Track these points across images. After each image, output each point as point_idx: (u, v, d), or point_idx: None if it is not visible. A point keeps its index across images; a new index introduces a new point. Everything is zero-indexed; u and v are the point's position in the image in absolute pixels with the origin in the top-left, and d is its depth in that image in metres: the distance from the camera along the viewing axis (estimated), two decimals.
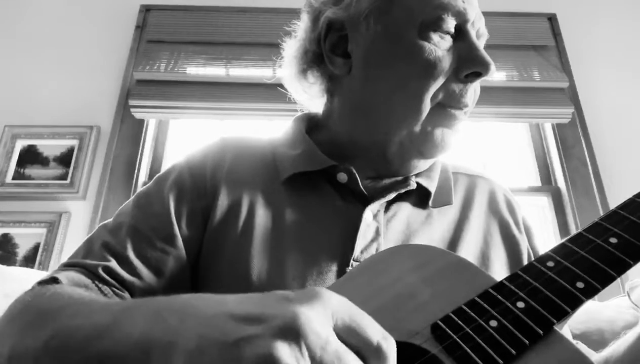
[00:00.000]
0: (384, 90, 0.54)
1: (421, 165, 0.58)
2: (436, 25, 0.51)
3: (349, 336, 0.27)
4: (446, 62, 0.51)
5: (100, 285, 0.47)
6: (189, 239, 0.53)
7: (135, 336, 0.29)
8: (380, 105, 0.55)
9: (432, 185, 0.58)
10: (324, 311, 0.27)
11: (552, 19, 1.89)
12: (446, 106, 0.53)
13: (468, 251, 0.55)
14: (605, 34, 1.88)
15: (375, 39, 0.55)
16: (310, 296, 0.27)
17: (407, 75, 0.52)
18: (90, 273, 0.48)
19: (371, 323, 0.28)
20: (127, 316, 0.32)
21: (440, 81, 0.51)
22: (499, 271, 0.55)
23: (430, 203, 0.57)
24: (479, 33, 0.56)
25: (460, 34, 0.53)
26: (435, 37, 0.52)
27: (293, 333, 0.25)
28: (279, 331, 0.25)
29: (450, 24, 0.52)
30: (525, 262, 0.57)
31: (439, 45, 0.52)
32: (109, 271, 0.48)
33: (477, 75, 0.52)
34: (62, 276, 0.47)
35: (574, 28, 1.88)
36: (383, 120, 0.55)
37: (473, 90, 0.54)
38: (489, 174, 0.68)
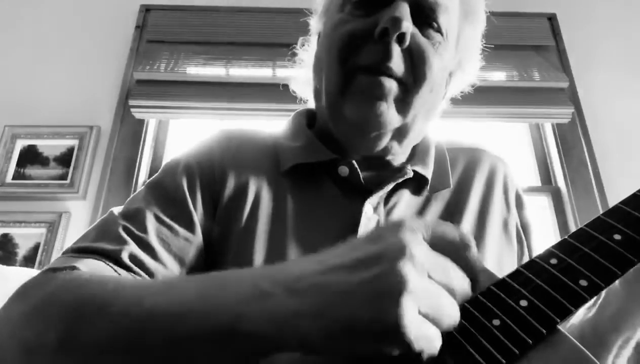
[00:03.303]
0: (319, 71, 0.58)
1: (385, 143, 0.56)
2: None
3: (438, 245, 0.31)
4: (359, 27, 0.52)
5: (122, 274, 0.44)
6: (203, 227, 0.52)
7: (245, 310, 0.28)
8: (320, 87, 0.58)
9: (428, 172, 0.58)
10: (415, 234, 0.30)
11: (552, 19, 1.89)
12: (368, 73, 0.51)
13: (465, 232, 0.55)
14: (605, 34, 1.88)
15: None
16: (395, 226, 0.30)
17: (328, 49, 0.55)
18: (110, 259, 0.45)
19: (444, 227, 0.32)
20: (217, 292, 0.30)
21: (354, 46, 0.52)
22: (493, 250, 0.55)
23: (427, 188, 0.57)
24: (422, 3, 0.53)
25: (386, 3, 0.52)
26: (353, 9, 0.54)
27: (409, 260, 0.28)
28: (399, 262, 0.27)
29: None
30: (515, 241, 0.58)
31: (356, 15, 0.53)
32: (132, 256, 0.46)
33: (385, 32, 0.50)
34: (82, 265, 0.43)
35: (574, 28, 1.88)
36: (325, 100, 0.57)
37: (398, 55, 0.51)
38: (489, 147, 0.66)
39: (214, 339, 0.28)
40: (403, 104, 0.52)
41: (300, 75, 0.67)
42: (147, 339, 0.30)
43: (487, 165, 0.63)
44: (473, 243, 0.33)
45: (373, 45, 0.51)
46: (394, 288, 0.26)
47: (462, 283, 0.31)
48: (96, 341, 0.31)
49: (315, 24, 0.64)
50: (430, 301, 0.28)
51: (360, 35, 0.51)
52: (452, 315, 0.30)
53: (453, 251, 0.32)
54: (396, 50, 0.50)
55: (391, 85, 0.51)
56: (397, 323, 0.25)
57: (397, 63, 0.51)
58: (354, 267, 0.28)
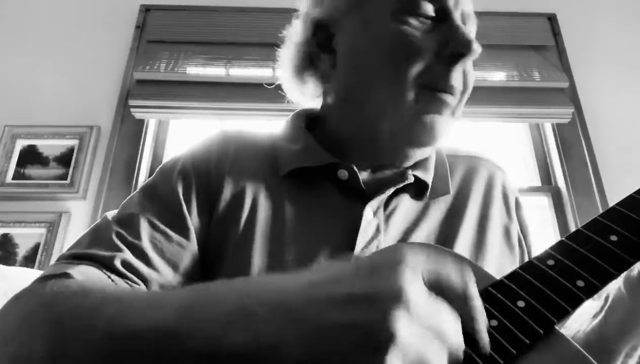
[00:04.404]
0: (368, 79, 0.54)
1: (416, 155, 0.57)
2: (411, 9, 0.52)
3: (438, 289, 0.28)
4: (426, 44, 0.51)
5: (115, 279, 0.44)
6: (199, 232, 0.52)
7: (232, 339, 0.27)
8: (365, 94, 0.55)
9: (428, 177, 0.58)
10: (415, 275, 0.27)
11: (552, 19, 1.90)
12: (434, 90, 0.52)
13: (465, 238, 0.55)
14: (605, 34, 1.88)
15: (355, 31, 0.55)
16: (394, 261, 0.28)
17: (386, 60, 0.52)
18: (104, 266, 0.45)
19: (451, 272, 0.29)
20: (201, 313, 0.29)
21: (420, 63, 0.51)
22: (494, 257, 0.55)
23: (427, 194, 0.57)
24: (465, 16, 0.55)
25: (442, 16, 0.53)
26: (412, 20, 0.52)
27: (404, 307, 0.25)
28: (392, 311, 0.25)
29: (428, 6, 0.52)
30: (517, 248, 0.58)
31: (418, 28, 0.52)
32: (125, 263, 0.46)
33: (460, 56, 0.51)
34: (75, 271, 0.43)
35: (574, 28, 1.88)
36: (370, 109, 0.55)
37: (461, 73, 0.53)
38: (488, 154, 0.67)
39: (195, 361, 0.27)
40: (452, 117, 0.54)
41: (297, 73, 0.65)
42: (129, 360, 0.29)
43: (486, 173, 0.63)
44: (476, 297, 0.30)
45: (440, 65, 0.51)
46: (382, 341, 0.24)
47: (455, 339, 0.28)
48: (81, 358, 0.31)
49: (322, 11, 0.59)
50: (418, 355, 0.25)
51: (428, 54, 0.51)
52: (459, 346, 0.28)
53: (453, 299, 0.29)
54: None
55: (453, 103, 0.53)
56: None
57: (459, 80, 0.53)
58: (343, 304, 0.26)
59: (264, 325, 0.27)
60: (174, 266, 0.49)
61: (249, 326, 0.27)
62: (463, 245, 0.54)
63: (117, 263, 0.45)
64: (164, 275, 0.48)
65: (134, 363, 0.29)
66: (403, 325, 0.25)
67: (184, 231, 0.51)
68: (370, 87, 0.54)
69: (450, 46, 0.51)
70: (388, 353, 0.24)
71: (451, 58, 0.51)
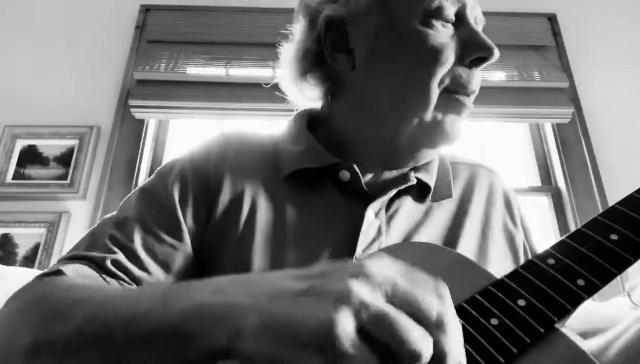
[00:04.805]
0: (392, 81, 0.54)
1: (428, 155, 0.58)
2: (437, 13, 0.52)
3: (405, 306, 0.26)
4: (451, 48, 0.52)
5: (107, 279, 0.46)
6: (194, 234, 0.52)
7: (192, 307, 0.28)
8: (388, 97, 0.55)
9: (431, 180, 0.58)
10: (369, 283, 0.26)
11: (552, 19, 1.90)
12: (454, 92, 0.53)
13: (467, 244, 0.55)
14: (605, 34, 1.88)
15: (379, 31, 0.55)
16: (354, 270, 0.27)
17: (413, 63, 0.52)
18: (97, 266, 0.47)
19: (425, 292, 0.26)
20: (175, 294, 0.31)
21: (446, 67, 0.52)
22: (497, 265, 0.55)
23: (430, 197, 0.57)
24: (477, 20, 0.56)
25: (460, 21, 0.54)
26: (437, 24, 0.52)
27: (351, 306, 0.25)
28: (338, 307, 0.24)
29: (450, 11, 0.52)
30: (522, 256, 0.58)
31: (442, 33, 0.52)
32: (116, 264, 0.47)
33: (482, 59, 0.52)
34: (68, 269, 0.45)
35: (574, 28, 1.88)
36: (392, 111, 0.54)
37: (478, 77, 0.54)
38: (489, 164, 0.67)
39: (164, 339, 0.28)
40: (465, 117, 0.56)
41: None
42: (107, 336, 0.31)
43: (486, 180, 0.63)
44: (452, 324, 0.26)
45: (462, 69, 0.53)
46: (334, 293, 0.25)
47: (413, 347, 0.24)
48: (65, 337, 0.33)
49: (339, 9, 0.57)
50: (381, 325, 0.24)
51: (453, 58, 0.52)
52: (416, 350, 0.24)
53: (424, 321, 0.25)
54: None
55: (471, 105, 0.54)
56: (329, 328, 0.23)
57: (477, 84, 0.54)
58: (297, 295, 0.27)
59: (227, 299, 0.28)
60: (165, 267, 0.50)
61: (218, 300, 0.29)
62: (466, 248, 0.54)
63: (109, 263, 0.47)
64: (155, 276, 0.49)
65: (113, 340, 0.31)
66: (360, 288, 0.25)
67: (177, 234, 0.52)
68: (397, 89, 0.54)
69: (471, 50, 0.52)
70: (341, 303, 0.24)
71: (472, 62, 0.52)
